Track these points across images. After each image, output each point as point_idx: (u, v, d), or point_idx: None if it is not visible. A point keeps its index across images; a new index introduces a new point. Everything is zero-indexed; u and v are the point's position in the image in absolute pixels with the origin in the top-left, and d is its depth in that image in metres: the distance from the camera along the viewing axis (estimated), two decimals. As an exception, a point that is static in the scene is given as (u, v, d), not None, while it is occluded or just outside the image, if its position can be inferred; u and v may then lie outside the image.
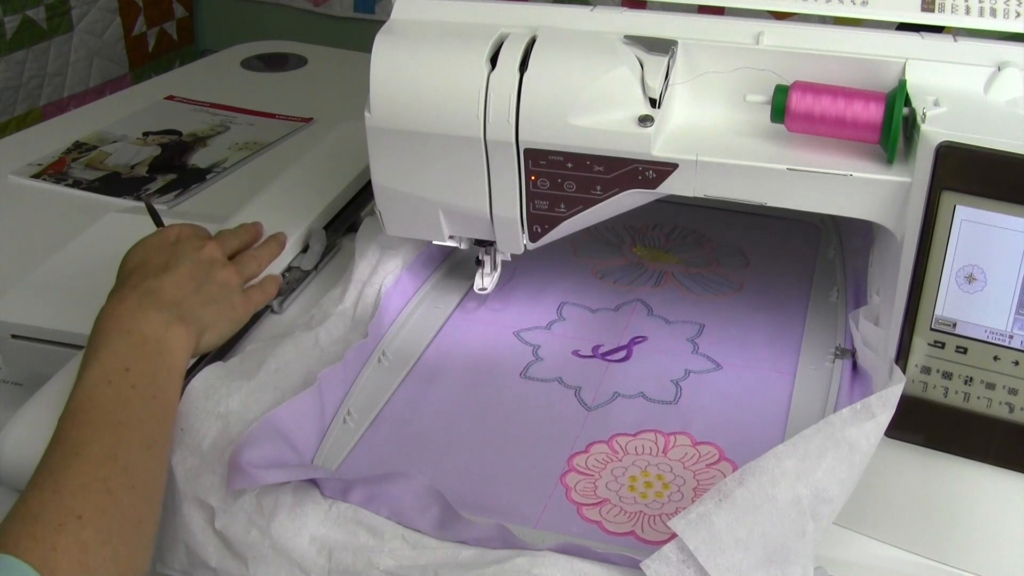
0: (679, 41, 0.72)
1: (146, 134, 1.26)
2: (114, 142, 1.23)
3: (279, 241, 0.85)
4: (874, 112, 0.65)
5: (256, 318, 0.81)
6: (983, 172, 0.58)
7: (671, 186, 0.69)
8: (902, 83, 0.66)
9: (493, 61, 0.70)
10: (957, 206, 0.59)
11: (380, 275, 0.82)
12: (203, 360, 0.73)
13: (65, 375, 0.72)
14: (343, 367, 0.74)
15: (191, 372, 0.71)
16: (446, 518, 0.60)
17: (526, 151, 0.71)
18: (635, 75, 0.69)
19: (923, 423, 0.62)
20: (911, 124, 0.64)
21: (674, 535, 0.55)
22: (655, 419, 0.74)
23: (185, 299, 0.70)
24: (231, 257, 0.79)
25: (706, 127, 0.72)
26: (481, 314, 0.87)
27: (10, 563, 0.51)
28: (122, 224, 0.93)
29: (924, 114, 0.63)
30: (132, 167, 1.17)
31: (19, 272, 0.86)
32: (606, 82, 0.68)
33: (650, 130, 0.68)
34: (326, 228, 0.91)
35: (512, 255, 0.80)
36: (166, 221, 0.82)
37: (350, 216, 0.95)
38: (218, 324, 0.73)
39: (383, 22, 0.75)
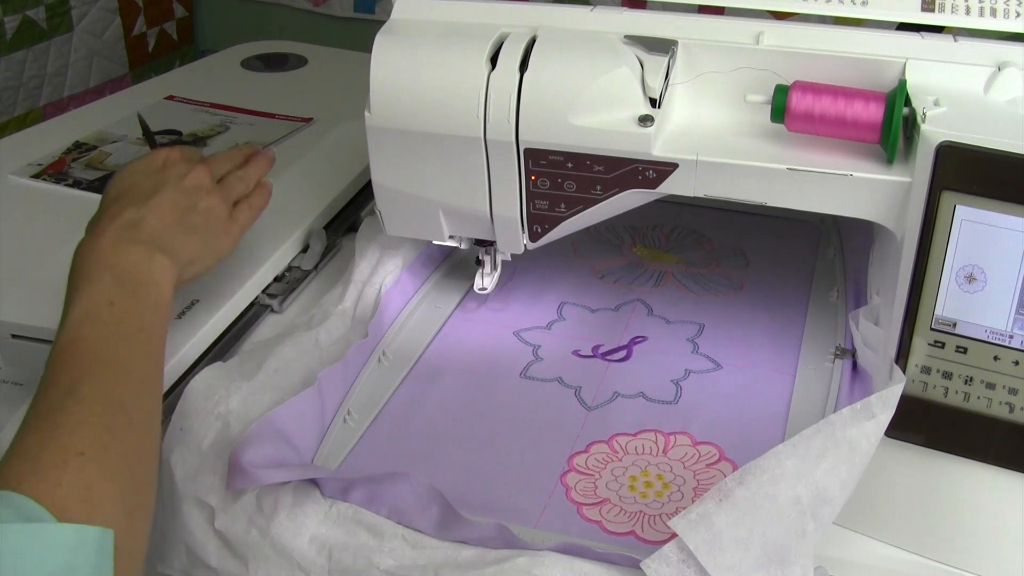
0: (679, 41, 0.72)
1: (146, 134, 1.25)
2: (114, 142, 1.23)
3: (268, 157, 0.82)
4: (874, 112, 0.65)
5: (256, 318, 0.81)
6: (983, 172, 0.58)
7: (671, 186, 0.69)
8: (902, 83, 0.66)
9: (493, 61, 0.70)
10: (957, 206, 0.59)
11: (380, 275, 0.82)
12: (203, 360, 0.74)
13: (65, 375, 0.72)
14: (343, 367, 0.74)
15: (191, 372, 0.71)
16: (446, 518, 0.60)
17: (526, 151, 0.71)
18: (635, 75, 0.69)
19: (923, 423, 0.62)
20: (911, 124, 0.64)
21: (674, 535, 0.55)
22: (655, 419, 0.74)
23: (167, 230, 0.68)
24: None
25: (706, 127, 0.72)
26: (481, 314, 0.87)
27: (17, 500, 0.50)
28: (122, 224, 0.93)
29: (924, 114, 0.63)
30: (132, 167, 1.16)
31: (19, 272, 0.86)
32: (606, 82, 0.68)
33: (650, 130, 0.68)
34: (326, 228, 0.91)
35: (512, 255, 0.80)
36: None
37: (350, 216, 0.95)
38: (203, 255, 0.71)
39: (383, 22, 0.75)
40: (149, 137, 0.80)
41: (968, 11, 0.69)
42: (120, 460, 0.55)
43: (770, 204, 0.68)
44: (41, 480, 0.51)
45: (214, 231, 0.72)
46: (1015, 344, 0.59)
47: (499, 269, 0.84)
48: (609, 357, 0.81)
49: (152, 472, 0.59)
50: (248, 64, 1.51)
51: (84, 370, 0.58)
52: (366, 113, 0.73)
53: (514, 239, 0.77)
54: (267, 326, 0.81)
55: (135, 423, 0.58)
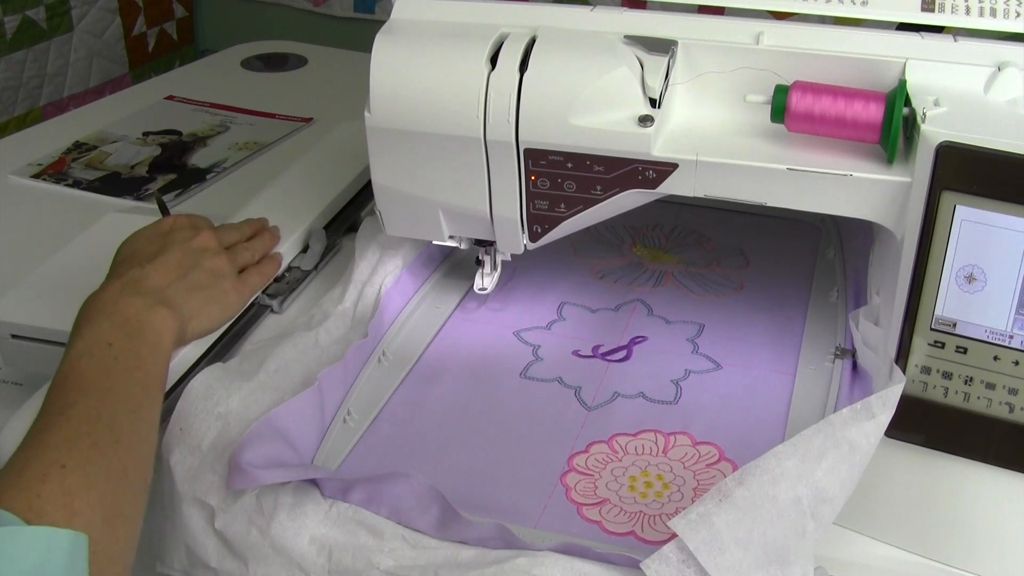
0: (679, 41, 0.72)
1: (146, 134, 1.25)
2: (114, 142, 1.23)
3: (274, 234, 0.85)
4: (874, 112, 0.65)
5: (256, 318, 0.81)
6: (983, 172, 0.58)
7: (671, 186, 0.69)
8: (902, 83, 0.66)
9: (493, 61, 0.70)
10: (957, 206, 0.59)
11: (380, 275, 0.82)
12: (203, 360, 0.73)
13: (65, 375, 0.72)
14: (343, 367, 0.74)
15: (191, 372, 0.71)
16: (446, 518, 0.60)
17: (526, 151, 0.71)
18: (635, 75, 0.69)
19: (923, 423, 0.62)
20: (911, 124, 0.64)
21: (674, 535, 0.55)
22: (655, 419, 0.74)
23: (169, 286, 0.70)
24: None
25: (706, 127, 0.72)
26: (481, 314, 0.87)
27: None
28: (122, 224, 0.93)
29: (924, 114, 0.63)
30: (132, 167, 1.16)
31: (19, 272, 0.86)
32: (606, 82, 0.68)
33: (650, 130, 0.68)
34: (326, 228, 0.91)
35: (512, 255, 0.80)
36: None
37: (350, 216, 0.95)
38: (207, 310, 0.72)
39: (383, 22, 0.75)
40: (165, 213, 0.83)
41: (968, 11, 0.69)
42: (102, 473, 0.56)
43: (770, 204, 0.68)
44: (22, 491, 0.53)
45: (220, 289, 0.74)
46: (1015, 344, 0.59)
47: (499, 269, 0.84)
48: (609, 357, 0.81)
49: (138, 488, 0.60)
50: (248, 64, 1.51)
51: (76, 395, 0.60)
52: (366, 113, 0.73)
53: (514, 239, 0.77)
54: (267, 326, 0.81)
55: (122, 442, 0.59)
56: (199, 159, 1.19)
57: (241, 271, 0.78)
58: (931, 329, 0.61)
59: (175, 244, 0.73)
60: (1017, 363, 0.59)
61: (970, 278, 0.59)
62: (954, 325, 0.60)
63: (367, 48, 0.72)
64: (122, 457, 0.58)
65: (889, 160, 0.66)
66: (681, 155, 0.68)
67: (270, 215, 0.87)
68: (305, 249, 0.88)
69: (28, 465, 0.55)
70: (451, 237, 0.79)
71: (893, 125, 0.64)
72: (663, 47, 0.71)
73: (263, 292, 0.83)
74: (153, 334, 0.66)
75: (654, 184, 0.70)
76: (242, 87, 1.42)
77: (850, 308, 0.81)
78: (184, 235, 0.75)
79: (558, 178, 0.71)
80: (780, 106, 0.67)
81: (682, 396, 0.76)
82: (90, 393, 0.60)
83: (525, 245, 0.77)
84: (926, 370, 0.61)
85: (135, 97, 1.39)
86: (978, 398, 0.60)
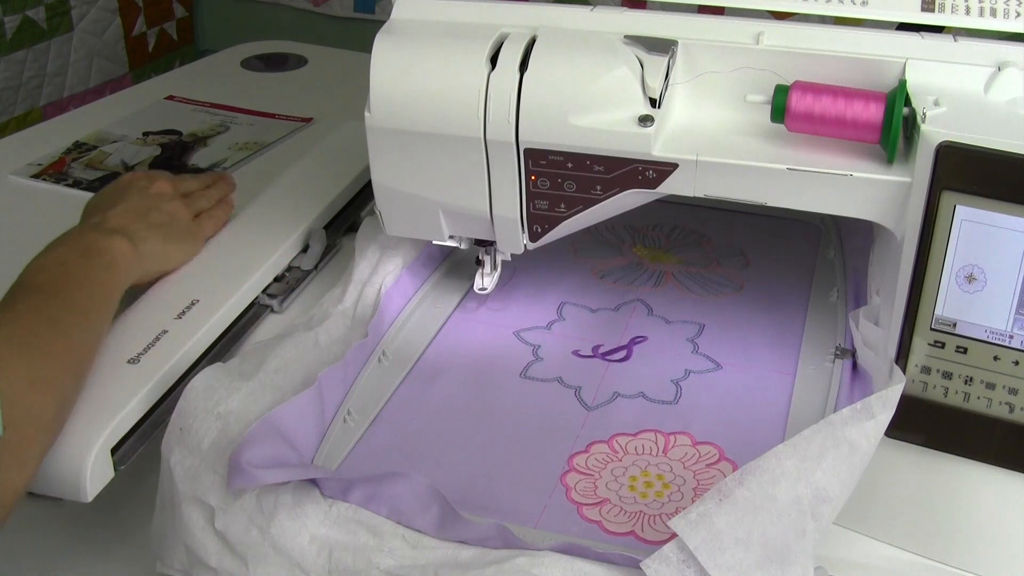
0: (679, 41, 0.72)
1: (146, 134, 1.25)
2: (114, 142, 1.23)
3: (229, 182, 0.89)
4: (874, 112, 0.65)
5: (256, 318, 0.81)
6: (983, 172, 0.58)
7: (671, 186, 0.69)
8: (902, 83, 0.66)
9: (493, 61, 0.70)
10: (957, 206, 0.59)
11: (380, 275, 0.82)
12: (203, 360, 0.73)
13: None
14: (343, 367, 0.74)
15: (191, 372, 0.71)
16: (446, 518, 0.60)
17: (526, 151, 0.71)
18: (635, 75, 0.69)
19: (923, 423, 0.62)
20: (911, 124, 0.64)
21: (674, 535, 0.55)
22: (655, 419, 0.74)
23: (128, 225, 0.75)
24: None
25: (706, 127, 0.72)
26: (481, 314, 0.87)
27: None
28: (122, 224, 0.93)
29: (924, 114, 0.63)
30: (132, 167, 1.16)
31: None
32: (606, 82, 0.68)
33: (650, 130, 0.68)
34: (326, 228, 0.91)
35: (512, 255, 0.80)
36: None
37: (350, 216, 0.95)
38: (167, 251, 0.77)
39: (383, 22, 0.75)
40: None
41: (968, 11, 0.69)
42: (34, 346, 0.59)
43: (770, 204, 0.68)
44: None
45: (178, 231, 0.79)
46: (1015, 344, 0.59)
47: (499, 269, 0.84)
48: (609, 357, 0.81)
49: (76, 370, 0.63)
50: (248, 64, 1.51)
51: (23, 296, 0.64)
52: (366, 113, 0.73)
53: (514, 239, 0.77)
54: (267, 326, 0.81)
55: (61, 328, 0.62)
56: (199, 159, 1.19)
57: (198, 217, 0.83)
58: (931, 329, 0.61)
59: (134, 192, 0.79)
60: (1017, 363, 0.59)
61: (970, 278, 0.59)
62: (954, 325, 0.60)
63: (367, 48, 0.72)
64: (59, 340, 0.61)
65: (889, 160, 0.66)
66: (681, 155, 0.68)
67: (270, 215, 0.87)
68: (305, 249, 0.89)
69: None
70: (451, 237, 0.79)
71: (893, 125, 0.64)
72: (663, 47, 0.71)
73: (263, 292, 0.83)
74: (108, 255, 0.70)
75: (654, 184, 0.70)
76: (242, 87, 1.42)
77: (850, 308, 0.81)
78: (142, 184, 0.80)
79: (558, 178, 0.71)
80: (780, 106, 0.67)
81: (682, 396, 0.76)
82: (36, 295, 0.64)
83: (525, 245, 0.77)
84: (926, 370, 0.61)
85: (135, 97, 1.39)
86: (978, 398, 0.60)
